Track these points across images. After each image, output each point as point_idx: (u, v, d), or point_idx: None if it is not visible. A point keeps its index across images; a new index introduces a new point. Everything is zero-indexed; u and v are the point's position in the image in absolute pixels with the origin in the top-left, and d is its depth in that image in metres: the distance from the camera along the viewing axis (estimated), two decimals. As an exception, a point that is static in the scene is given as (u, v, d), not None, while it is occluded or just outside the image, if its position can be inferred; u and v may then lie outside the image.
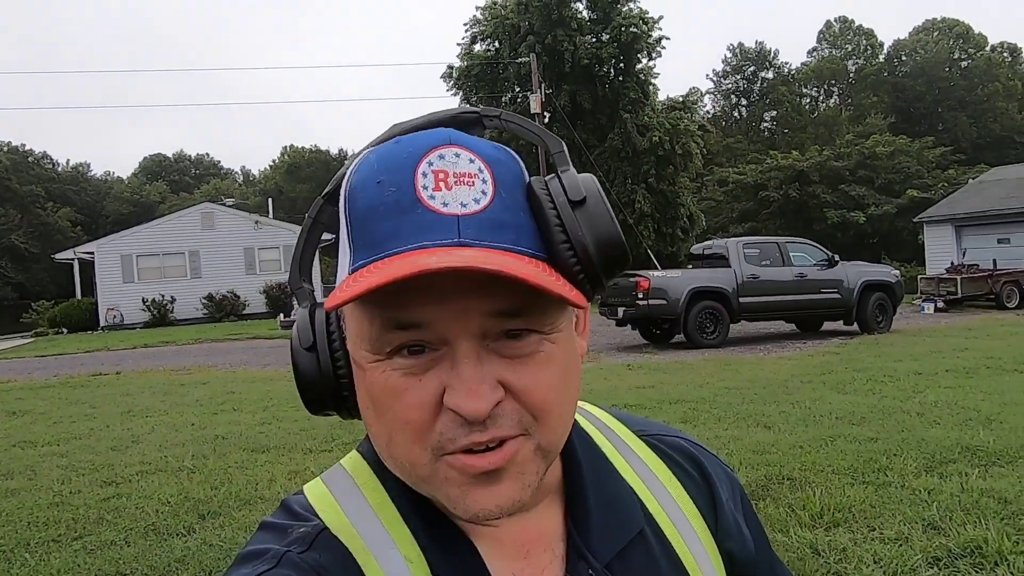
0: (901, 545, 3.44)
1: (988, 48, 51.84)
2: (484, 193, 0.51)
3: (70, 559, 3.77)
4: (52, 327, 26.83)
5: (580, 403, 0.67)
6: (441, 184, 0.51)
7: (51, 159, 59.41)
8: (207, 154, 75.77)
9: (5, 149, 51.79)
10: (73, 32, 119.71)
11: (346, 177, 0.55)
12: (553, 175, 0.56)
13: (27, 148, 54.95)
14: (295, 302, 0.63)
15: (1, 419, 8.24)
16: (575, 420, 0.65)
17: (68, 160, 67.14)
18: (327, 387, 0.57)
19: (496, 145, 0.55)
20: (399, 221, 0.50)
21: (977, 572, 3.15)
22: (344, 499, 0.60)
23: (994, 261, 20.48)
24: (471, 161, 0.52)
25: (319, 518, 0.59)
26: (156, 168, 68.19)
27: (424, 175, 0.51)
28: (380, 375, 0.52)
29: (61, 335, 25.42)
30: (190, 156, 72.31)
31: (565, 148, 0.58)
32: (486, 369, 0.50)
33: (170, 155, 70.80)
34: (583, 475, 0.62)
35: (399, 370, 0.51)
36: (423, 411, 0.51)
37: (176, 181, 66.15)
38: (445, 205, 0.50)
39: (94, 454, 6.21)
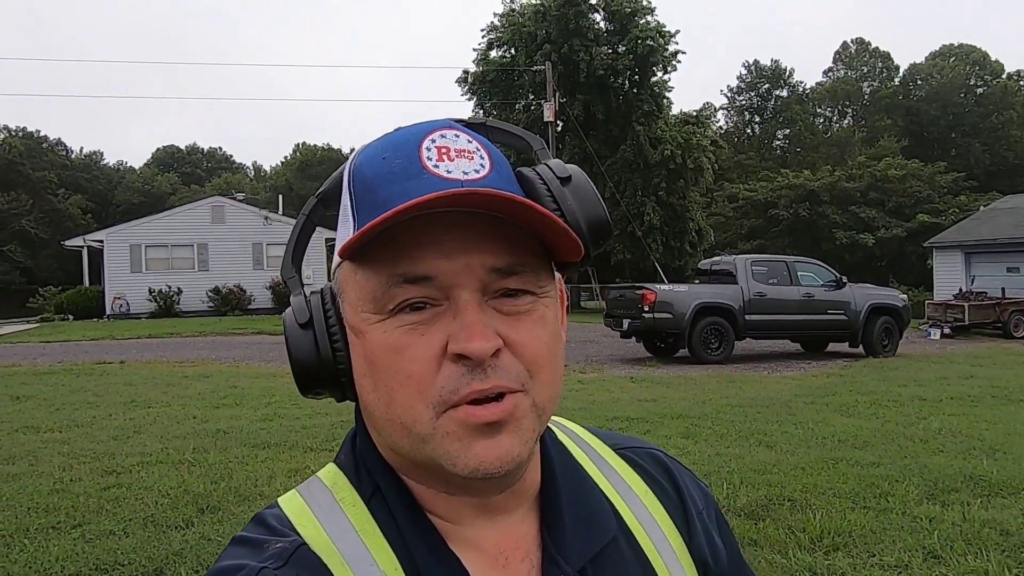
0: (901, 572, 3.42)
1: (1004, 76, 51.70)
2: (483, 166, 0.56)
3: (68, 547, 3.77)
4: (58, 313, 26.91)
5: (557, 418, 0.69)
6: (444, 156, 0.55)
7: (65, 146, 59.83)
8: (220, 148, 76.18)
9: (20, 134, 52.12)
10: (92, 22, 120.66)
11: (350, 160, 0.59)
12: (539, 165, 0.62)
13: (41, 134, 55.29)
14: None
15: (5, 404, 8.28)
16: (552, 431, 0.68)
17: (81, 148, 67.76)
18: (322, 362, 0.59)
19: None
20: (406, 184, 0.54)
21: (977, 603, 3.14)
22: (322, 513, 0.59)
23: (1003, 290, 20.40)
24: (469, 141, 0.57)
25: (297, 533, 0.58)
26: (168, 159, 68.44)
27: (428, 149, 0.55)
28: (382, 334, 0.54)
29: (67, 321, 25.49)
30: (203, 149, 72.59)
31: (545, 145, 0.65)
32: (487, 318, 0.53)
33: (183, 147, 71.06)
34: (558, 484, 0.63)
35: (402, 326, 0.53)
36: (426, 363, 0.53)
37: (188, 173, 66.34)
38: (449, 172, 0.54)
39: (95, 442, 6.23)
